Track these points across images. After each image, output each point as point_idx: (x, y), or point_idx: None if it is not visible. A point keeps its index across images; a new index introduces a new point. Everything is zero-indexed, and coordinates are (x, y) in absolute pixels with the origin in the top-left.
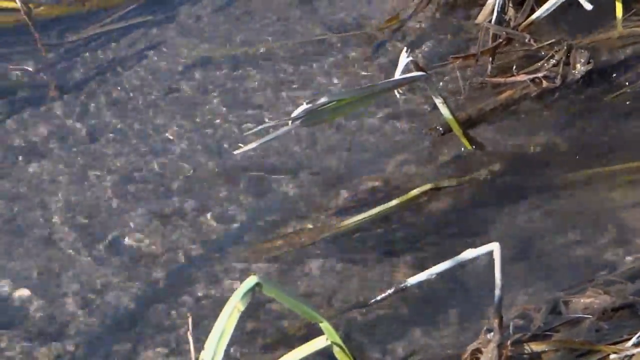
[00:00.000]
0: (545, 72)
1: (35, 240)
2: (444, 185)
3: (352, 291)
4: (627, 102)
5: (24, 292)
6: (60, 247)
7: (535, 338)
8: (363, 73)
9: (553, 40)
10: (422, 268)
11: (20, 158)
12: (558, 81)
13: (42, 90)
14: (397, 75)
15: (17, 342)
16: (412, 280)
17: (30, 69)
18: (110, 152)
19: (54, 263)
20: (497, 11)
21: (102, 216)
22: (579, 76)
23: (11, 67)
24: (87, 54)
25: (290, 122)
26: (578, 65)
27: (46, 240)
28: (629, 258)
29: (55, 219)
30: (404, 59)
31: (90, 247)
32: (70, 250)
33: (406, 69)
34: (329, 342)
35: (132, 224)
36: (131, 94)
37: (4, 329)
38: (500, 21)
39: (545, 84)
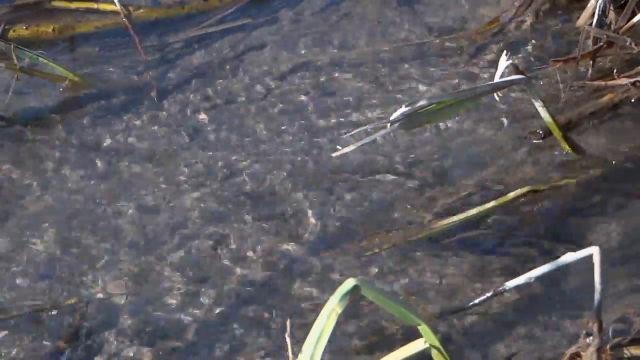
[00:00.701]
0: None
1: (137, 243)
2: (543, 188)
3: (450, 294)
4: None
5: (122, 293)
6: (160, 247)
7: (635, 342)
8: (462, 76)
9: None
10: (521, 271)
11: (120, 159)
12: None
13: (141, 92)
14: (497, 78)
15: (120, 342)
16: (511, 283)
17: (129, 71)
18: (210, 154)
19: (152, 264)
20: (598, 14)
21: (201, 220)
22: None
23: (112, 69)
24: (186, 56)
25: (388, 124)
26: None
27: (151, 242)
28: None
29: (159, 221)
30: (503, 62)
31: (191, 247)
32: (171, 251)
33: (506, 72)
34: (427, 345)
35: (234, 225)
36: (229, 96)
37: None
38: (601, 24)
39: None
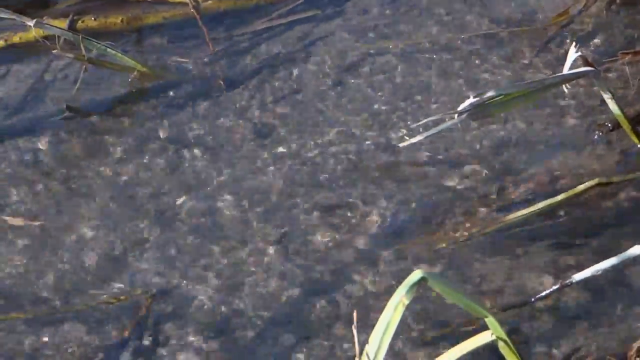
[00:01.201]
0: None
1: (202, 234)
2: (612, 180)
3: (516, 286)
4: None
5: (188, 283)
6: (225, 239)
7: None
8: (531, 68)
9: None
10: (588, 264)
11: (187, 150)
12: None
13: (208, 83)
14: (566, 70)
15: (186, 333)
16: (578, 276)
17: (197, 62)
18: (276, 145)
19: (216, 255)
20: None
21: (272, 208)
22: None
23: (180, 60)
24: (254, 48)
25: (456, 115)
26: None
27: (219, 232)
28: None
29: (231, 212)
30: (572, 54)
31: (255, 238)
32: (235, 243)
33: (575, 65)
34: (493, 337)
35: (299, 216)
36: (296, 88)
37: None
38: None
39: None
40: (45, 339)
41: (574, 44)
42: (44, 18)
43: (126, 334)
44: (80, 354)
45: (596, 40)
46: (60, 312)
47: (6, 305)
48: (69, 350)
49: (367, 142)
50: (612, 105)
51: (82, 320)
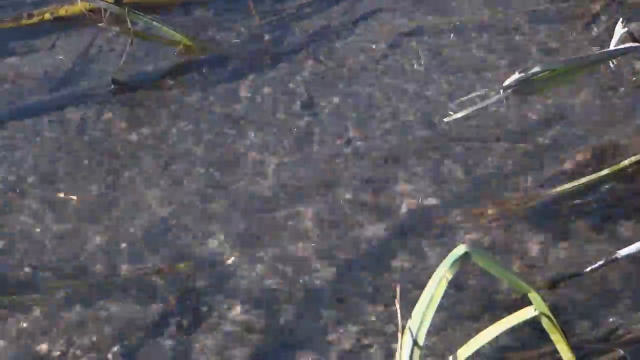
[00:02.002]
0: None
1: (248, 207)
2: None
3: (560, 261)
4: None
5: (234, 256)
6: (271, 212)
7: None
8: (577, 44)
9: None
10: (633, 239)
11: (232, 124)
12: None
13: (254, 56)
14: (612, 46)
15: (229, 305)
16: (623, 252)
17: (242, 35)
18: (320, 119)
19: (264, 228)
20: None
21: (314, 185)
22: None
23: (225, 33)
24: (300, 21)
25: (501, 90)
26: None
27: (262, 207)
28: None
29: (267, 183)
30: (619, 30)
31: (300, 212)
32: (281, 216)
33: (621, 41)
34: (536, 313)
35: (342, 190)
36: (342, 62)
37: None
38: None
39: None
40: (90, 310)
41: (620, 19)
42: None
43: (169, 306)
44: (124, 325)
45: None
46: (105, 284)
47: (52, 277)
48: (113, 322)
49: (411, 117)
50: None
51: (127, 292)
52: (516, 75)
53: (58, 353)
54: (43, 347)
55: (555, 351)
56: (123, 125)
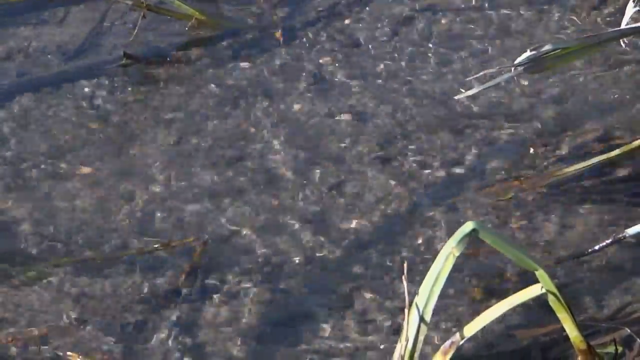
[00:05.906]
0: None
1: (258, 183)
2: None
3: (569, 240)
4: None
5: (248, 232)
6: (280, 189)
7: None
8: (588, 22)
9: None
10: None
11: (243, 99)
12: None
13: (265, 32)
14: (623, 25)
15: (238, 280)
16: (631, 230)
17: (255, 11)
18: (332, 95)
19: (275, 206)
20: None
21: (328, 157)
22: None
23: (237, 8)
24: None
25: (513, 68)
26: None
27: (272, 182)
28: None
29: (280, 161)
30: (630, 9)
31: (312, 189)
32: (291, 192)
33: (632, 20)
34: (543, 291)
35: (354, 167)
36: (353, 39)
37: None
38: None
39: None
40: (103, 282)
41: None
42: None
43: (179, 280)
44: (135, 298)
45: None
46: (116, 258)
47: (65, 250)
48: (124, 294)
49: (423, 94)
50: None
51: (137, 265)
52: (528, 53)
53: (67, 322)
54: (52, 317)
55: (562, 329)
56: (134, 99)
